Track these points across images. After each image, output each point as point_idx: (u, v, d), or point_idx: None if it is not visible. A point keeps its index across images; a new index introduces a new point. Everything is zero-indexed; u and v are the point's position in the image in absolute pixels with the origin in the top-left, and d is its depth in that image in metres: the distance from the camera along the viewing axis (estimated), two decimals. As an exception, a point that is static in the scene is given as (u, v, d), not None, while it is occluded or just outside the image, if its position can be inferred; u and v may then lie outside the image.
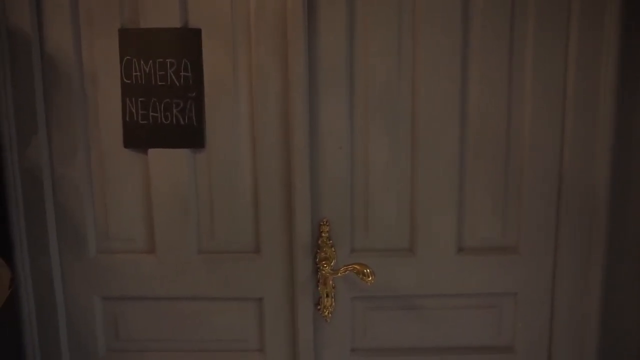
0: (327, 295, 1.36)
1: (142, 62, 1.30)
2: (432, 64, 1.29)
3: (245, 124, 1.34)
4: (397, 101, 1.32)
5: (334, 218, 1.35)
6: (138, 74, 1.31)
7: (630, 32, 1.26)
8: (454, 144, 1.32)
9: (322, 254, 1.34)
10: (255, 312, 1.42)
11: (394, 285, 1.38)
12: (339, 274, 1.29)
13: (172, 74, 1.30)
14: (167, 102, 1.31)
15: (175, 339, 1.44)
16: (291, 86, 1.28)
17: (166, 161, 1.34)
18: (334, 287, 1.37)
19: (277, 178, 1.34)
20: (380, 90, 1.31)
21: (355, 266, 1.25)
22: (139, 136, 1.33)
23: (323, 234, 1.35)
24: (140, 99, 1.31)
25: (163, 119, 1.32)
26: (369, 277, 1.23)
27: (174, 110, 1.32)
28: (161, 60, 1.30)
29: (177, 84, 1.30)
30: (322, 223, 1.35)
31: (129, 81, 1.31)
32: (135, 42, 1.30)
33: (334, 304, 1.38)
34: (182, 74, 1.30)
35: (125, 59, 1.30)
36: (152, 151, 1.34)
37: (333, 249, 1.36)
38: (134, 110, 1.32)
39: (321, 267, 1.32)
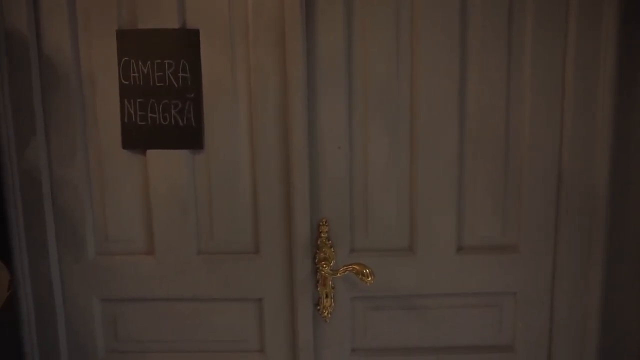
0: (327, 296, 1.36)
1: (140, 63, 1.30)
2: (430, 64, 1.29)
3: (244, 124, 1.33)
4: (396, 101, 1.31)
5: (333, 218, 1.35)
6: (136, 75, 1.30)
7: (628, 31, 1.26)
8: (453, 143, 1.32)
9: (322, 254, 1.34)
10: (254, 312, 1.42)
11: (393, 285, 1.38)
12: (339, 275, 1.29)
13: (170, 75, 1.30)
14: (166, 103, 1.31)
15: (174, 340, 1.44)
16: (290, 86, 1.28)
17: (165, 162, 1.34)
18: (333, 288, 1.37)
19: (276, 178, 1.34)
20: (379, 89, 1.31)
21: (355, 266, 1.25)
22: (138, 137, 1.33)
23: (322, 234, 1.35)
24: (138, 100, 1.31)
25: (161, 120, 1.32)
26: (368, 278, 1.23)
27: (173, 111, 1.31)
28: (159, 61, 1.29)
29: (176, 85, 1.30)
30: (321, 223, 1.35)
31: (127, 82, 1.31)
32: (133, 43, 1.29)
33: (333, 304, 1.38)
34: (180, 74, 1.30)
35: (123, 60, 1.30)
36: (150, 152, 1.34)
37: (332, 249, 1.36)
38: (132, 111, 1.32)
39: (320, 268, 1.32)
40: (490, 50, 1.29)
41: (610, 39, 1.25)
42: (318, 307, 1.38)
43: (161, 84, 1.30)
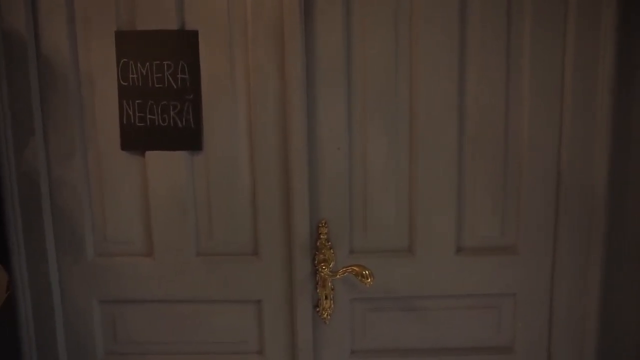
0: (326, 297, 1.36)
1: (139, 64, 1.29)
2: (430, 64, 1.29)
3: (243, 125, 1.33)
4: (395, 101, 1.31)
5: (332, 219, 1.35)
6: (135, 76, 1.30)
7: (627, 31, 1.26)
8: (452, 144, 1.32)
9: (321, 255, 1.34)
10: (254, 314, 1.42)
11: (393, 286, 1.38)
12: (338, 276, 1.29)
13: (169, 76, 1.29)
14: (165, 104, 1.31)
15: (173, 342, 1.43)
16: (289, 87, 1.27)
17: (164, 163, 1.33)
18: (332, 289, 1.37)
19: (275, 179, 1.33)
20: (379, 90, 1.31)
21: (354, 268, 1.25)
22: (136, 138, 1.33)
23: (322, 236, 1.35)
24: (137, 101, 1.31)
25: (160, 121, 1.32)
26: (367, 279, 1.22)
27: (172, 113, 1.31)
28: (158, 62, 1.29)
29: (175, 86, 1.30)
30: (320, 224, 1.35)
31: (125, 83, 1.30)
32: (131, 44, 1.29)
33: (332, 305, 1.38)
34: (179, 76, 1.29)
35: (122, 61, 1.30)
36: (149, 153, 1.34)
37: (332, 251, 1.36)
38: (131, 113, 1.31)
39: (320, 269, 1.31)
40: (489, 51, 1.29)
41: (609, 39, 1.25)
42: (317, 309, 1.38)
43: (160, 85, 1.30)
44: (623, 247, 1.35)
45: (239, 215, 1.37)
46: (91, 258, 1.40)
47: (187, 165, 1.34)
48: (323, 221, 1.35)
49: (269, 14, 1.27)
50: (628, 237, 1.35)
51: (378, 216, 1.36)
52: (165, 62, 1.29)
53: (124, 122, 1.32)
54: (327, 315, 1.38)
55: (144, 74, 1.30)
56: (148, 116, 1.31)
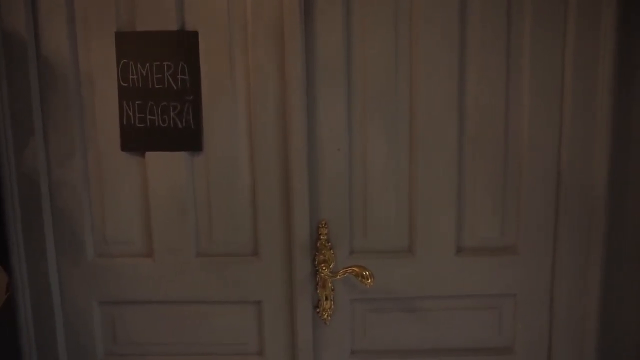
0: (326, 298, 1.36)
1: (139, 65, 1.29)
2: (430, 64, 1.29)
3: (243, 126, 1.33)
4: (395, 101, 1.31)
5: (332, 219, 1.35)
6: (135, 77, 1.30)
7: (627, 31, 1.26)
8: (452, 144, 1.32)
9: (321, 256, 1.34)
10: (254, 315, 1.41)
11: (393, 286, 1.38)
12: (338, 277, 1.29)
13: (169, 77, 1.29)
14: (165, 105, 1.31)
15: (173, 343, 1.43)
16: (289, 87, 1.27)
17: (164, 164, 1.33)
18: (333, 290, 1.37)
19: (275, 180, 1.33)
20: (379, 90, 1.31)
21: (355, 268, 1.25)
22: (136, 139, 1.33)
23: (322, 236, 1.35)
24: (137, 102, 1.31)
25: (160, 122, 1.31)
26: (368, 280, 1.22)
27: (172, 113, 1.31)
28: (158, 63, 1.29)
29: (175, 87, 1.30)
30: (320, 225, 1.35)
31: (125, 84, 1.30)
32: (131, 45, 1.29)
33: (333, 306, 1.38)
34: (179, 76, 1.29)
35: (122, 62, 1.30)
36: (149, 154, 1.33)
37: (332, 251, 1.36)
38: (131, 114, 1.31)
39: (320, 270, 1.31)
40: (489, 50, 1.29)
41: (609, 39, 1.25)
42: (317, 310, 1.38)
43: (160, 86, 1.30)
44: (623, 247, 1.35)
45: (239, 216, 1.37)
46: (91, 259, 1.39)
47: (187, 165, 1.34)
48: (323, 222, 1.35)
49: (268, 14, 1.27)
50: (628, 237, 1.35)
51: (378, 217, 1.36)
52: (165, 63, 1.29)
53: (124, 122, 1.32)
54: (327, 315, 1.37)
55: (144, 74, 1.30)
56: (148, 117, 1.31)
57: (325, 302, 1.36)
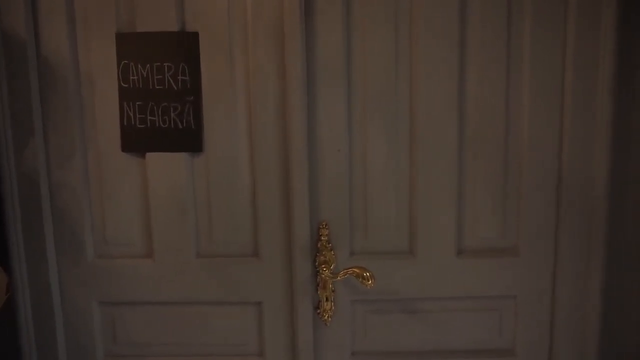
0: (327, 299, 1.36)
1: (139, 66, 1.29)
2: (430, 64, 1.29)
3: (243, 126, 1.33)
4: (395, 101, 1.31)
5: (333, 220, 1.35)
6: (135, 77, 1.30)
7: (627, 31, 1.26)
8: (452, 144, 1.32)
9: (322, 257, 1.34)
10: (254, 316, 1.41)
11: (393, 288, 1.37)
12: (339, 278, 1.29)
13: (169, 78, 1.29)
14: (165, 106, 1.31)
15: (173, 343, 1.43)
16: (289, 87, 1.27)
17: (164, 165, 1.33)
18: (333, 291, 1.37)
19: (275, 180, 1.33)
20: (379, 90, 1.31)
21: (355, 269, 1.25)
22: (137, 140, 1.32)
23: (322, 237, 1.35)
24: (137, 103, 1.31)
25: (161, 122, 1.31)
26: (368, 281, 1.22)
27: (172, 114, 1.31)
28: (159, 64, 1.29)
29: (175, 88, 1.30)
30: (321, 226, 1.35)
31: (126, 85, 1.30)
32: (132, 46, 1.29)
33: (333, 307, 1.38)
34: (179, 77, 1.29)
35: (122, 63, 1.30)
36: (149, 155, 1.33)
37: (332, 252, 1.35)
38: (131, 114, 1.31)
39: (320, 271, 1.31)
40: (489, 50, 1.29)
41: (608, 39, 1.25)
42: (318, 311, 1.38)
43: (160, 87, 1.30)
44: (624, 248, 1.35)
45: (239, 217, 1.36)
46: (91, 259, 1.39)
47: (188, 166, 1.34)
48: (323, 222, 1.35)
49: (269, 15, 1.27)
50: (629, 238, 1.34)
51: (379, 217, 1.36)
52: (165, 64, 1.29)
53: (125, 123, 1.32)
54: (327, 317, 1.37)
55: (145, 75, 1.30)
56: (148, 118, 1.31)
57: (325, 303, 1.36)
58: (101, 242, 1.39)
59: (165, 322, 1.42)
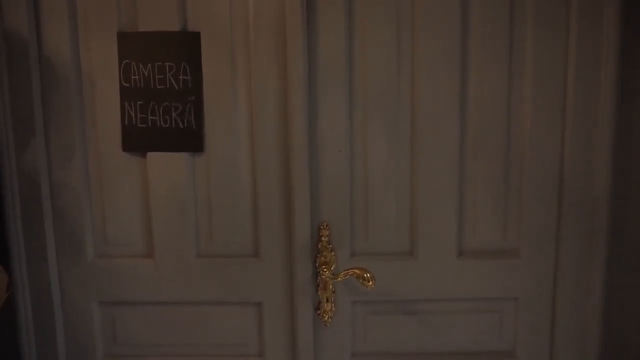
0: (327, 300, 1.36)
1: (140, 65, 1.29)
2: (431, 64, 1.28)
3: (244, 126, 1.33)
4: (396, 102, 1.31)
5: (333, 221, 1.35)
6: (137, 77, 1.30)
7: (629, 32, 1.26)
8: (453, 146, 1.32)
9: (322, 258, 1.34)
10: (254, 316, 1.41)
11: (394, 289, 1.37)
12: (339, 279, 1.28)
13: (171, 78, 1.29)
14: (166, 106, 1.31)
15: (173, 344, 1.43)
16: (290, 88, 1.27)
17: (165, 165, 1.33)
18: (334, 292, 1.36)
19: (276, 181, 1.33)
20: (380, 91, 1.31)
21: (356, 270, 1.24)
22: (138, 140, 1.32)
23: (323, 238, 1.35)
24: (139, 103, 1.31)
25: (162, 122, 1.31)
26: (369, 282, 1.22)
27: (173, 114, 1.31)
28: (160, 63, 1.29)
29: (176, 88, 1.30)
30: (321, 227, 1.35)
31: (127, 85, 1.30)
32: (134, 45, 1.29)
33: (334, 308, 1.37)
34: (181, 77, 1.29)
35: (124, 62, 1.30)
36: (150, 155, 1.33)
37: (333, 253, 1.35)
38: (132, 114, 1.31)
39: (321, 272, 1.31)
40: (491, 50, 1.29)
41: (611, 40, 1.25)
42: (318, 311, 1.37)
43: (162, 87, 1.30)
44: (625, 249, 1.34)
45: (239, 217, 1.36)
46: (91, 259, 1.39)
47: (188, 166, 1.34)
48: (324, 223, 1.35)
49: (270, 15, 1.27)
50: (631, 240, 1.34)
51: (379, 219, 1.36)
52: (167, 64, 1.29)
53: (126, 123, 1.32)
54: (328, 317, 1.37)
55: (146, 75, 1.30)
56: (150, 117, 1.31)
57: (326, 304, 1.36)
58: (101, 241, 1.39)
59: (165, 322, 1.42)
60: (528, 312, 1.39)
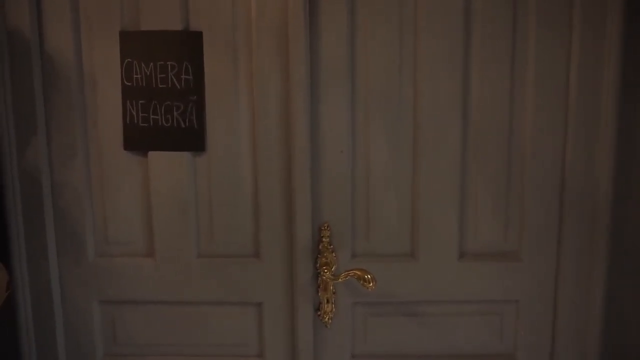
0: (328, 301, 1.35)
1: (142, 64, 1.29)
2: (433, 65, 1.28)
3: (246, 126, 1.33)
4: (398, 104, 1.31)
5: (334, 222, 1.35)
6: (139, 76, 1.30)
7: (632, 32, 1.25)
8: (455, 147, 1.32)
9: (323, 259, 1.34)
10: (254, 316, 1.41)
11: (395, 290, 1.37)
12: (340, 280, 1.28)
13: (173, 77, 1.29)
14: (168, 105, 1.31)
15: (173, 344, 1.43)
16: (292, 88, 1.27)
17: (166, 164, 1.33)
18: (334, 293, 1.36)
19: (277, 181, 1.33)
20: (382, 92, 1.30)
21: (356, 272, 1.24)
22: (139, 139, 1.32)
23: (324, 239, 1.34)
24: (140, 102, 1.31)
25: (164, 121, 1.31)
26: (370, 283, 1.22)
27: (175, 113, 1.31)
28: (162, 62, 1.29)
29: (178, 87, 1.30)
30: (322, 227, 1.34)
31: (129, 83, 1.30)
32: (136, 44, 1.29)
33: (334, 309, 1.37)
34: (183, 76, 1.29)
35: (126, 61, 1.30)
36: (152, 154, 1.33)
37: (334, 254, 1.35)
38: (134, 113, 1.31)
39: (322, 273, 1.31)
40: (493, 51, 1.28)
41: (613, 41, 1.25)
42: (319, 312, 1.37)
43: (164, 86, 1.30)
44: (627, 252, 1.34)
45: (240, 217, 1.36)
46: (92, 258, 1.39)
47: (190, 166, 1.34)
48: (325, 224, 1.34)
49: (273, 15, 1.27)
50: (632, 243, 1.33)
51: (381, 220, 1.36)
52: (169, 63, 1.29)
53: (127, 122, 1.32)
54: (328, 319, 1.37)
55: (148, 74, 1.30)
56: (151, 116, 1.31)
57: (326, 305, 1.36)
58: (102, 241, 1.39)
59: (165, 321, 1.42)
60: (529, 314, 1.38)
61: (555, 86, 1.29)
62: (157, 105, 1.31)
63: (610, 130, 1.28)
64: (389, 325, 1.41)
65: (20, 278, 1.36)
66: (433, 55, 1.28)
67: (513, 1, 1.27)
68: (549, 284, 1.37)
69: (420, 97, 1.30)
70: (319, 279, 1.35)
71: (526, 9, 1.27)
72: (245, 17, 1.28)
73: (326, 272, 1.30)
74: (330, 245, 1.35)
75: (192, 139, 1.32)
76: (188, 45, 1.29)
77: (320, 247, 1.35)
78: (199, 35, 1.28)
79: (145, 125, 1.32)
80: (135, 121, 1.32)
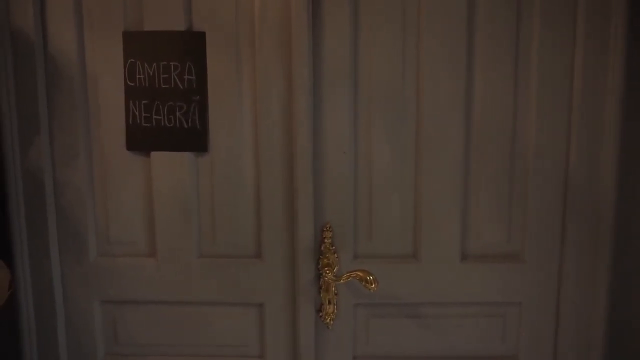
0: (329, 302, 1.35)
1: (146, 64, 1.29)
2: (436, 66, 1.28)
3: (248, 127, 1.33)
4: (401, 105, 1.31)
5: (337, 223, 1.34)
6: (142, 76, 1.30)
7: (636, 34, 1.25)
8: (458, 149, 1.31)
9: (325, 260, 1.33)
10: (256, 317, 1.41)
11: (397, 292, 1.37)
12: (342, 281, 1.28)
13: (176, 77, 1.30)
14: (171, 105, 1.31)
15: (174, 344, 1.43)
16: (295, 89, 1.27)
17: (168, 164, 1.33)
18: (336, 294, 1.36)
19: (280, 182, 1.33)
20: (385, 92, 1.30)
21: (358, 273, 1.24)
22: (142, 139, 1.33)
23: (326, 240, 1.34)
24: (143, 102, 1.31)
25: (166, 122, 1.31)
26: (372, 284, 1.21)
27: (178, 114, 1.31)
28: (165, 63, 1.29)
29: (181, 87, 1.30)
30: (325, 228, 1.34)
31: (132, 84, 1.31)
32: (139, 44, 1.29)
33: (336, 310, 1.37)
34: (186, 77, 1.29)
35: (129, 61, 1.30)
36: (154, 154, 1.33)
37: (336, 255, 1.35)
38: (137, 113, 1.32)
39: (324, 274, 1.31)
40: (497, 53, 1.28)
41: (617, 42, 1.24)
42: (320, 313, 1.37)
43: (166, 86, 1.30)
44: (630, 254, 1.33)
45: (242, 218, 1.36)
46: (94, 258, 1.39)
47: (192, 166, 1.34)
48: (327, 225, 1.34)
49: (276, 16, 1.27)
50: (636, 244, 1.33)
51: (383, 221, 1.35)
52: (172, 63, 1.29)
53: (130, 122, 1.32)
54: (330, 320, 1.36)
55: (151, 74, 1.30)
56: (154, 117, 1.31)
57: (328, 306, 1.36)
58: (104, 240, 1.39)
59: (166, 322, 1.42)
60: (531, 316, 1.38)
61: (559, 87, 1.29)
62: (160, 106, 1.31)
63: (613, 131, 1.27)
64: (391, 327, 1.40)
65: (23, 277, 1.36)
66: (436, 56, 1.28)
67: (517, 2, 1.27)
68: (552, 286, 1.36)
69: (423, 98, 1.30)
70: (320, 280, 1.35)
71: (530, 9, 1.27)
72: (248, 17, 1.29)
73: (328, 273, 1.30)
74: (332, 246, 1.34)
75: (194, 139, 1.32)
76: (191, 46, 1.29)
77: (322, 248, 1.34)
78: (202, 36, 1.29)
79: (148, 125, 1.32)
80: (138, 121, 1.32)
